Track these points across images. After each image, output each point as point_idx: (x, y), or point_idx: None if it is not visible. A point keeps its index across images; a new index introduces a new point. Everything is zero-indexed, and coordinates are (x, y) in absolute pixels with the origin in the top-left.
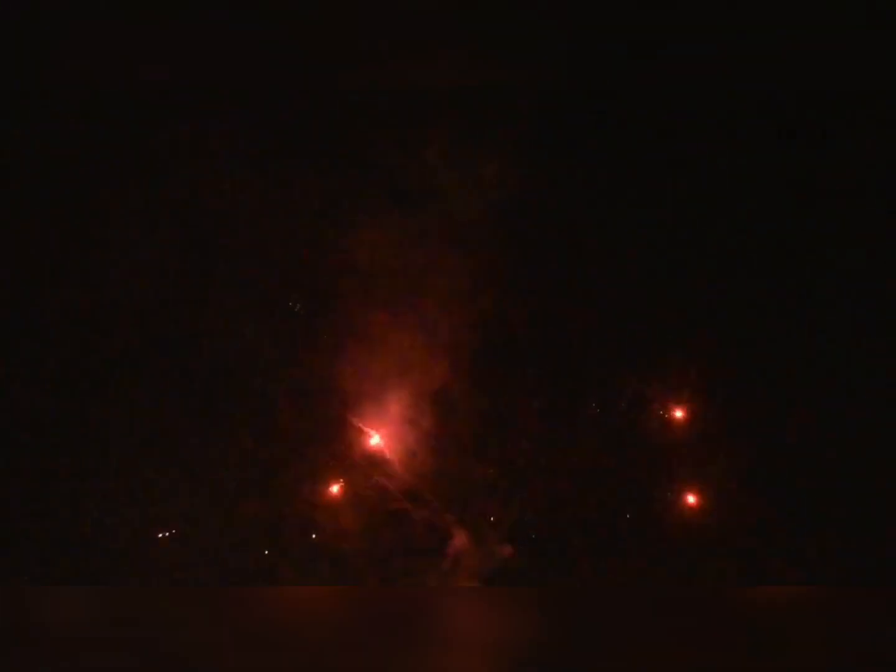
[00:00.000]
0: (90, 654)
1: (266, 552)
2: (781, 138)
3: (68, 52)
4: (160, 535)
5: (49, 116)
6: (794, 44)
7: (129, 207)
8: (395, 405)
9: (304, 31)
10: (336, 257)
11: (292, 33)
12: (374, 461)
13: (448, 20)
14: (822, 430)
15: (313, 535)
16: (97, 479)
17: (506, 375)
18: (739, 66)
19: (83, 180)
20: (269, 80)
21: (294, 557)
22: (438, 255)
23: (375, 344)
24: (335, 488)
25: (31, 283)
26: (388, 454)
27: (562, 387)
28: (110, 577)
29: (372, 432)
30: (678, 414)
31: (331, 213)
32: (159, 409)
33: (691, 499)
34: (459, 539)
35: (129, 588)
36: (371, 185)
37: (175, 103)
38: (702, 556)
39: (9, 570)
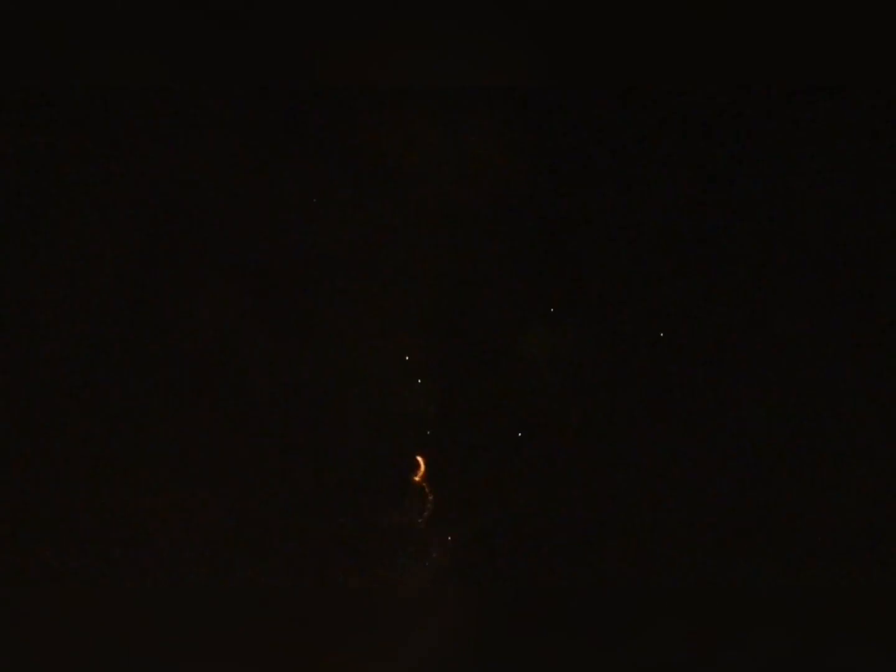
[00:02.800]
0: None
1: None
2: (782, 137)
3: (32, 44)
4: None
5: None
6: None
7: (102, 201)
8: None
9: (291, 23)
10: (317, 248)
11: (277, 25)
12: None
13: (441, 18)
14: None
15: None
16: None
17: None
18: (739, 62)
19: (59, 172)
20: (258, 74)
21: (264, 558)
22: (427, 251)
23: (354, 338)
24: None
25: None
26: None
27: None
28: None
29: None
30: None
31: (313, 205)
32: (143, 405)
33: None
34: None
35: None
36: (357, 177)
37: (152, 93)
38: None
39: (9, 570)
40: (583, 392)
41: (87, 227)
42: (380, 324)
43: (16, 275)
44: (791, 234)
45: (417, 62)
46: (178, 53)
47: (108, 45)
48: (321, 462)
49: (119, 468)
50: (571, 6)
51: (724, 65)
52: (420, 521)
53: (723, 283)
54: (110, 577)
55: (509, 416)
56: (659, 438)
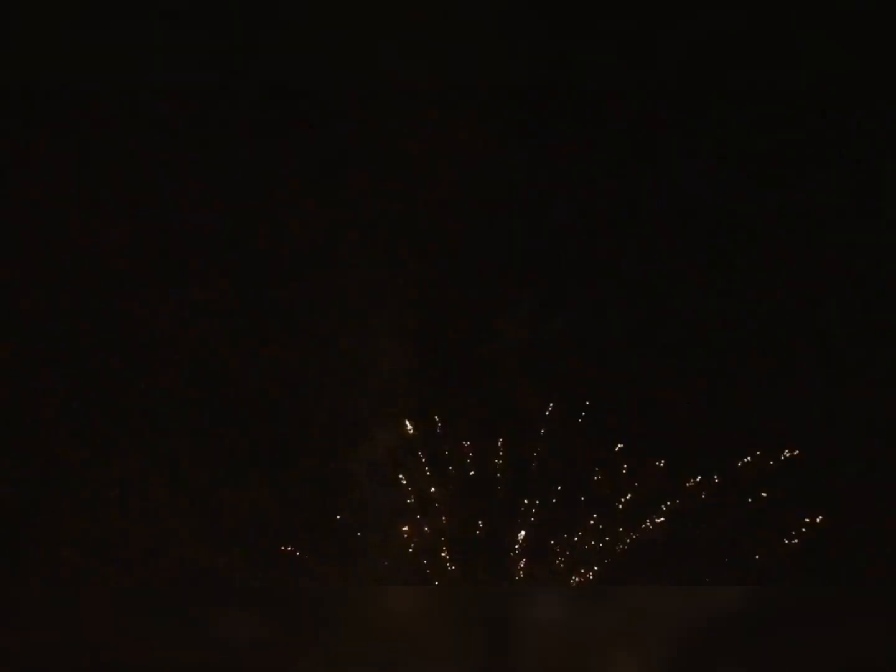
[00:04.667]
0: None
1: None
2: (771, 134)
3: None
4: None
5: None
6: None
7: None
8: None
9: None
10: (298, 250)
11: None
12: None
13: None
14: None
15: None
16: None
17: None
18: (728, 61)
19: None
20: (256, 74)
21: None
22: (414, 251)
23: (337, 344)
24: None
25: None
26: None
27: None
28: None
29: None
30: None
31: (294, 207)
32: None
33: None
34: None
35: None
36: (355, 176)
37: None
38: None
39: (9, 571)
40: (576, 383)
41: (77, 226)
42: (372, 319)
43: (7, 275)
44: (791, 235)
45: (417, 61)
46: (176, 53)
47: (105, 46)
48: (313, 456)
49: (106, 468)
50: (572, 6)
51: (728, 66)
52: (407, 508)
53: (719, 280)
54: (101, 578)
55: (500, 410)
56: (642, 425)
